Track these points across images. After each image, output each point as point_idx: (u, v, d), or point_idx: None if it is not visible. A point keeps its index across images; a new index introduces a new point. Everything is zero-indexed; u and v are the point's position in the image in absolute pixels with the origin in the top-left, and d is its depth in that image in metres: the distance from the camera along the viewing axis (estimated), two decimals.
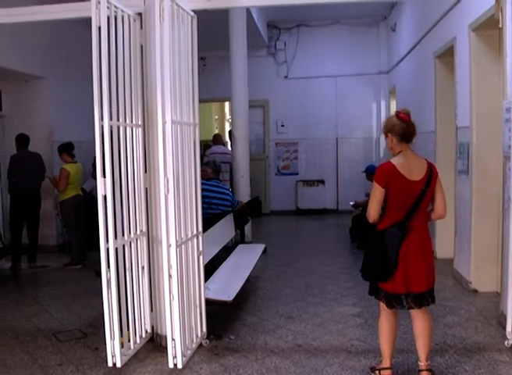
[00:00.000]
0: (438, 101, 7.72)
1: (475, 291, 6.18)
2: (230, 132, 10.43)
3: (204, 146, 12.27)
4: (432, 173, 3.86)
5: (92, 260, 7.78)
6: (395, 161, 3.86)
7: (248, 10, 9.68)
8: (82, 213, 8.35)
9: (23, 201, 8.10)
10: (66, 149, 8.25)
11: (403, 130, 3.87)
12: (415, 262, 3.82)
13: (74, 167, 8.22)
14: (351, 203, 9.61)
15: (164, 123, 4.22)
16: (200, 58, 11.72)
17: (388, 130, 3.94)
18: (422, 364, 3.93)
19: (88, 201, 8.32)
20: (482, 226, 6.07)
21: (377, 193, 3.82)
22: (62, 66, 9.27)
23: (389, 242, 3.79)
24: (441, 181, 3.97)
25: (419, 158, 3.96)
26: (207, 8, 4.73)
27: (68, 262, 8.21)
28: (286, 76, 13.53)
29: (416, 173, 3.82)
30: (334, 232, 11.42)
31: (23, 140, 8.22)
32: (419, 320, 3.95)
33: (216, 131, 16.88)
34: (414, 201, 3.79)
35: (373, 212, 3.85)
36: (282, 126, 13.63)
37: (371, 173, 8.72)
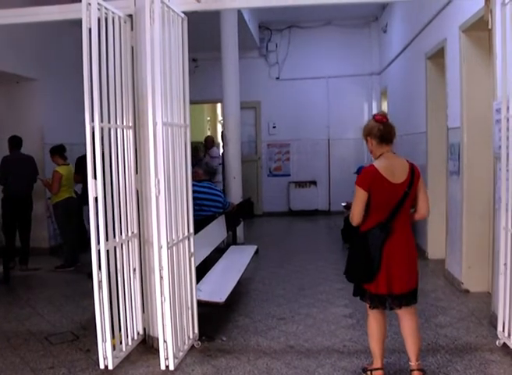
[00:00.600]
0: (429, 102, 7.75)
1: (467, 291, 6.20)
2: (222, 133, 10.43)
3: (195, 148, 12.19)
4: (413, 174, 3.87)
5: (85, 262, 7.76)
6: (377, 164, 3.87)
7: (239, 11, 9.68)
8: (75, 215, 8.33)
9: (14, 204, 8.07)
10: (58, 151, 8.23)
11: (380, 131, 3.88)
12: (397, 263, 3.84)
13: (67, 169, 8.19)
14: (343, 204, 9.61)
15: (155, 124, 4.23)
16: (192, 60, 11.74)
17: (367, 133, 3.96)
18: (413, 364, 3.94)
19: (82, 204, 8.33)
20: (474, 226, 6.09)
21: (360, 196, 3.83)
22: (53, 68, 9.23)
23: (372, 243, 3.81)
24: (424, 182, 4.00)
25: (400, 159, 3.97)
26: (197, 10, 4.72)
27: (60, 265, 8.18)
28: (277, 78, 13.54)
29: (398, 176, 3.83)
30: (326, 233, 11.43)
31: (16, 142, 8.19)
32: (406, 320, 3.97)
33: (208, 133, 16.88)
34: (397, 202, 3.81)
35: (356, 216, 3.87)
36: (274, 127, 13.63)
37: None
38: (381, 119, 3.91)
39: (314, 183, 13.50)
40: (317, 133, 13.48)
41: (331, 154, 13.56)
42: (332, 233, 10.55)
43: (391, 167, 3.84)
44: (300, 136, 13.51)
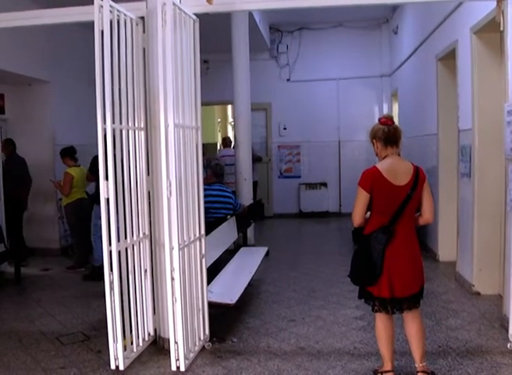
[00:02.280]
0: (440, 103, 7.73)
1: (478, 293, 6.18)
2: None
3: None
4: (418, 177, 3.86)
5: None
6: (380, 165, 3.89)
7: (250, 13, 9.69)
8: (86, 216, 8.37)
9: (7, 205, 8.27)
10: (69, 153, 8.28)
11: (385, 134, 3.91)
12: (400, 267, 3.83)
13: (78, 171, 8.24)
14: None
15: (166, 126, 4.24)
16: (203, 61, 11.77)
17: (372, 136, 4.00)
18: (417, 365, 3.95)
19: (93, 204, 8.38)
20: (485, 228, 6.07)
21: (361, 197, 3.85)
22: (64, 70, 9.29)
23: (374, 247, 3.81)
24: (429, 185, 3.99)
25: (405, 162, 3.97)
26: (209, 11, 4.73)
27: (71, 265, 8.22)
28: (288, 79, 13.53)
29: (401, 178, 3.83)
30: (336, 235, 11.40)
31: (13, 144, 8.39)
32: (409, 323, 3.97)
33: (219, 134, 16.92)
34: (399, 205, 3.80)
35: (357, 217, 3.89)
36: (285, 129, 13.62)
37: None
38: (385, 122, 3.94)
39: (324, 184, 13.47)
40: (327, 134, 13.46)
41: (341, 155, 13.53)
42: (343, 235, 10.54)
43: (394, 169, 3.85)
44: (310, 137, 13.49)
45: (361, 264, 3.88)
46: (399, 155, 4.00)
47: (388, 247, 3.80)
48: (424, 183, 3.90)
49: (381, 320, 3.99)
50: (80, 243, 8.37)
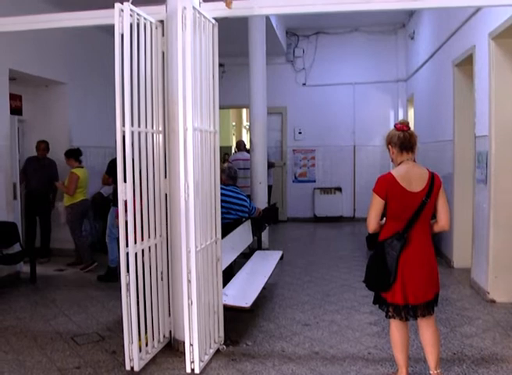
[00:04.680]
0: (456, 109, 7.70)
1: (493, 301, 6.15)
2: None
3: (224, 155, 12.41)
4: (433, 183, 3.86)
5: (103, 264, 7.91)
6: (395, 172, 3.89)
7: (267, 17, 9.72)
8: (89, 216, 8.44)
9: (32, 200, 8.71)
10: (74, 155, 8.38)
11: (400, 139, 3.92)
12: (414, 274, 3.83)
13: (82, 172, 8.33)
14: None
15: (185, 129, 4.26)
16: (219, 65, 11.78)
17: (388, 141, 4.02)
18: (432, 372, 3.96)
19: (104, 205, 8.51)
20: (500, 235, 6.04)
21: (376, 203, 3.86)
22: (81, 72, 9.36)
23: (388, 253, 3.82)
24: (445, 192, 3.98)
25: (420, 168, 3.97)
26: (227, 16, 4.75)
27: (83, 266, 8.26)
28: (304, 84, 13.56)
29: (416, 184, 3.83)
30: (350, 239, 11.39)
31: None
32: (424, 330, 3.98)
33: (233, 138, 16.95)
34: (414, 212, 3.80)
35: (372, 222, 3.91)
36: (300, 133, 13.65)
37: None
38: (401, 128, 3.95)
39: (339, 189, 13.47)
40: (342, 139, 13.47)
41: (356, 160, 13.53)
42: (357, 240, 10.53)
43: (408, 175, 3.85)
44: (325, 142, 13.50)
45: (376, 270, 3.89)
46: (414, 160, 4.01)
47: (402, 253, 3.81)
48: (439, 189, 3.89)
49: (395, 326, 4.00)
50: (83, 242, 8.49)
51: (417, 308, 3.87)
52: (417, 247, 3.85)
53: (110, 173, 7.72)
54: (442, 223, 3.94)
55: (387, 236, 3.86)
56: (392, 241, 3.82)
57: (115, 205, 7.56)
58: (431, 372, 3.96)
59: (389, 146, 4.01)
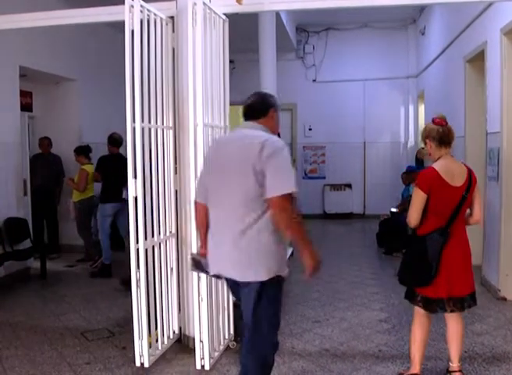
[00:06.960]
0: (467, 106, 7.64)
1: (504, 298, 6.11)
2: None
3: None
4: (471, 178, 3.87)
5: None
6: (437, 167, 3.86)
7: (277, 13, 9.68)
8: (95, 213, 8.48)
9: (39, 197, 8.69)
10: (84, 151, 8.40)
11: (439, 134, 3.90)
12: (457, 267, 3.84)
13: (91, 168, 8.34)
14: (394, 210, 9.27)
15: (195, 125, 4.26)
16: (230, 61, 11.76)
17: (426, 136, 3.99)
18: (455, 365, 3.99)
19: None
20: None
21: (419, 198, 3.82)
22: (92, 68, 9.36)
23: (430, 247, 3.79)
24: (479, 187, 4.00)
25: (459, 163, 3.98)
26: (238, 12, 4.74)
27: (92, 263, 8.28)
28: (314, 80, 13.51)
29: (457, 179, 3.83)
30: (361, 237, 11.37)
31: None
32: (454, 324, 3.99)
33: None
34: (455, 207, 3.80)
35: (415, 217, 3.86)
36: (310, 129, 13.61)
37: (412, 171, 8.71)
38: (440, 122, 3.95)
39: (349, 186, 13.43)
40: (353, 135, 13.41)
41: (366, 157, 13.48)
42: (367, 237, 10.48)
43: (450, 170, 3.84)
44: (335, 138, 13.45)
45: (416, 265, 3.87)
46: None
47: (444, 247, 3.80)
48: (475, 184, 3.91)
49: (420, 322, 4.00)
50: (88, 238, 8.53)
51: (464, 300, 3.89)
52: (458, 240, 3.86)
53: (98, 170, 7.77)
54: (477, 216, 3.97)
55: (428, 231, 3.84)
56: (434, 236, 3.80)
57: (104, 201, 7.65)
58: (454, 365, 3.99)
59: (427, 140, 3.98)
